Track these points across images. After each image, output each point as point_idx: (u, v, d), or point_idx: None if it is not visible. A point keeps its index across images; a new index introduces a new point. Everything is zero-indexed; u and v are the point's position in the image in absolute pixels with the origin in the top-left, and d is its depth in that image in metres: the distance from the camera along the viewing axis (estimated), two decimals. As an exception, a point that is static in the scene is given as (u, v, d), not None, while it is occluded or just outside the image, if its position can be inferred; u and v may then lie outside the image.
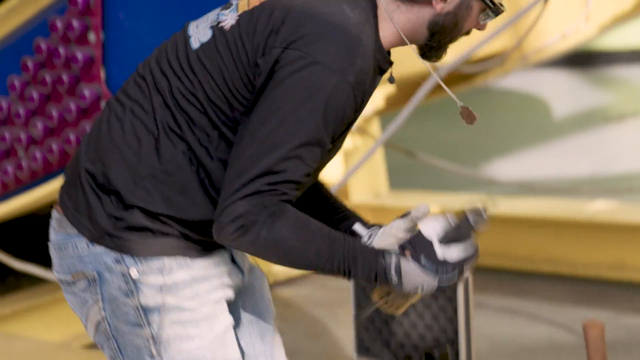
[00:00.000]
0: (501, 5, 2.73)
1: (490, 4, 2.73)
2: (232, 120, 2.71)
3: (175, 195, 2.76)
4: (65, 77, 4.25)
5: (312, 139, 2.64)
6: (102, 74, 4.16)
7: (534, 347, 5.01)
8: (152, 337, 2.76)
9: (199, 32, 2.79)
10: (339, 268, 2.65)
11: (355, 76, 2.66)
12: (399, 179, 7.00)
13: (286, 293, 6.19)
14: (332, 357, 4.52)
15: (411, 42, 2.81)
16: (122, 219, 2.74)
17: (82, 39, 4.17)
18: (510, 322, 5.30)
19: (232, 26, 2.75)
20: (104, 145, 2.79)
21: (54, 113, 4.37)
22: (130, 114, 2.77)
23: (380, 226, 2.87)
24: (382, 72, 2.80)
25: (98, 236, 2.75)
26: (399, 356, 3.80)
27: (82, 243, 2.77)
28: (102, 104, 4.17)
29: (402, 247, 2.69)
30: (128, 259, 2.74)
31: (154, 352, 2.76)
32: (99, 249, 2.75)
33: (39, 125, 4.42)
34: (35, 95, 4.38)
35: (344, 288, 4.19)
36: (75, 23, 4.14)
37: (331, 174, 6.58)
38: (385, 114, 6.51)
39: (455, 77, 5.41)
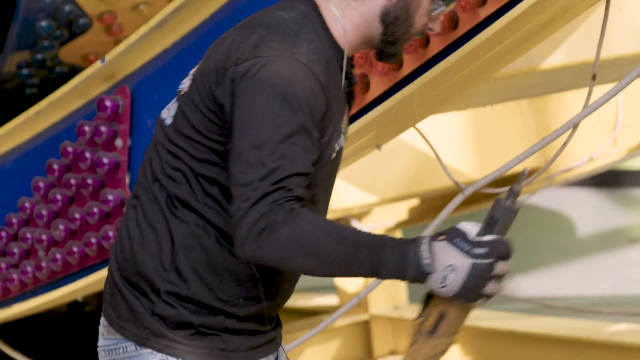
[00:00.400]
0: None
1: None
2: (223, 167, 2.72)
3: (204, 271, 2.78)
4: (89, 181, 4.25)
5: (293, 128, 2.61)
6: (127, 180, 4.16)
7: None
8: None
9: (169, 111, 2.84)
10: (368, 258, 2.58)
11: (306, 57, 2.66)
12: (418, 292, 6.99)
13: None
14: None
15: (367, 40, 2.83)
16: (163, 315, 2.76)
17: (109, 145, 4.18)
18: None
19: (189, 86, 2.80)
20: (128, 249, 2.83)
21: (77, 216, 4.38)
22: (141, 211, 2.81)
23: None
24: (347, 75, 2.83)
25: (144, 338, 2.79)
26: None
27: (131, 346, 2.81)
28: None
29: (435, 235, 2.62)
30: None
31: None
32: (146, 350, 2.79)
33: (61, 227, 4.43)
34: (59, 197, 4.39)
35: None
36: (103, 128, 4.17)
37: (352, 286, 6.59)
38: (408, 227, 6.51)
39: (481, 195, 5.41)
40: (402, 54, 2.89)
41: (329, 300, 7.44)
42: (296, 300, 7.10)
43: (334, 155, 2.80)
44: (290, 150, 2.60)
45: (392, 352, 6.49)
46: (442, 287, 2.60)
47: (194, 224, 2.75)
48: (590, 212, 10.18)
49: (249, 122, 2.62)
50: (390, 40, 2.81)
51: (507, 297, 6.61)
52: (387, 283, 6.67)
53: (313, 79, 2.65)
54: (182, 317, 2.75)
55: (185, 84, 2.84)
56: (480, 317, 6.22)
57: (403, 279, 2.65)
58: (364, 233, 2.61)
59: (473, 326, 6.06)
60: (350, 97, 2.94)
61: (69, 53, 5.17)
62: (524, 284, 8.13)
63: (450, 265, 2.58)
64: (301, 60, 2.64)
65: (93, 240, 4.34)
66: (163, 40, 4.02)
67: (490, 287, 2.61)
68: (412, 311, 6.60)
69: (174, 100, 2.86)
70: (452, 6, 2.84)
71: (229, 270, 2.77)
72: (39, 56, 5.19)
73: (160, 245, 2.78)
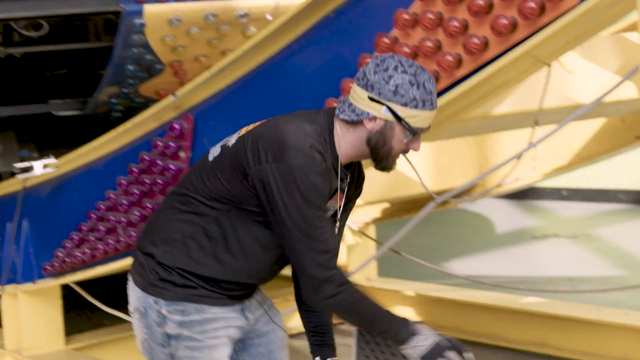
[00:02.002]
0: (420, 128, 2.72)
1: (407, 127, 2.69)
2: (233, 203, 2.78)
3: (200, 257, 2.84)
4: (159, 181, 4.24)
5: (312, 213, 2.68)
6: (187, 181, 4.14)
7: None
8: (171, 354, 2.87)
9: (215, 150, 2.88)
10: (390, 328, 2.74)
11: (312, 164, 2.68)
12: (385, 268, 6.96)
13: (297, 344, 6.12)
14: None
15: (360, 156, 2.82)
16: (159, 274, 2.85)
17: (174, 156, 4.17)
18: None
19: (233, 144, 2.83)
20: (151, 226, 2.96)
21: (149, 205, 4.35)
22: (177, 203, 2.90)
23: None
24: (340, 178, 2.83)
25: (145, 286, 2.89)
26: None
27: (137, 289, 2.92)
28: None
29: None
30: (161, 302, 2.86)
31: None
32: (145, 294, 2.89)
33: (136, 213, 4.40)
34: (136, 191, 4.37)
35: (340, 343, 4.11)
36: (172, 143, 4.15)
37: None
38: (379, 222, 6.48)
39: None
40: (393, 166, 2.84)
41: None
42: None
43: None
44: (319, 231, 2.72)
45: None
46: None
47: (195, 229, 2.83)
48: (505, 216, 10.21)
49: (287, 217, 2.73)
50: (376, 158, 2.80)
51: (447, 274, 6.60)
52: (363, 260, 6.64)
53: (319, 178, 2.69)
54: (170, 278, 2.84)
55: (231, 138, 2.88)
56: (428, 288, 6.20)
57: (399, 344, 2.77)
58: (387, 313, 2.74)
59: (423, 295, 6.05)
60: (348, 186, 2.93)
61: (146, 89, 5.15)
62: (458, 266, 8.12)
63: None
64: (311, 168, 2.67)
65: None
66: (218, 83, 4.01)
67: None
68: (380, 282, 6.58)
69: (220, 145, 2.90)
70: (424, 133, 2.78)
71: (221, 265, 2.83)
72: (125, 90, 5.17)
73: (168, 230, 2.87)
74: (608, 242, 8.71)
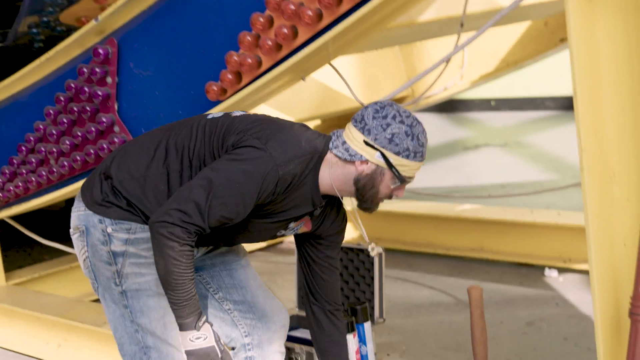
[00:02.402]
0: (408, 177, 2.79)
1: (397, 174, 2.75)
2: (201, 164, 2.84)
3: (149, 195, 2.87)
4: (88, 108, 4.17)
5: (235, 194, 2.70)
6: (115, 106, 4.09)
7: (420, 305, 5.01)
8: (117, 272, 2.89)
9: (216, 113, 2.95)
10: (184, 302, 2.73)
11: (283, 172, 2.72)
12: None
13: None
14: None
15: (340, 192, 2.85)
16: (109, 196, 2.89)
17: (101, 81, 4.10)
18: (402, 287, 5.30)
19: (236, 115, 2.91)
20: (124, 155, 2.95)
21: (79, 133, 4.29)
22: (155, 144, 2.93)
23: None
24: (313, 203, 2.84)
25: (91, 203, 2.92)
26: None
27: (82, 206, 2.94)
28: (116, 127, 4.11)
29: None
30: (107, 220, 2.89)
31: (118, 281, 2.89)
32: (89, 212, 2.91)
33: (67, 142, 4.34)
34: (65, 120, 4.30)
35: (280, 262, 4.13)
36: (97, 69, 4.08)
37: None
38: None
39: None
40: (376, 208, 2.87)
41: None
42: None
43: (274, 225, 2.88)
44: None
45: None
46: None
47: (167, 171, 2.85)
48: (436, 129, 10.27)
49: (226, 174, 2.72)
50: (360, 198, 2.84)
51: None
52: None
53: (273, 185, 2.71)
54: (118, 203, 2.88)
55: (237, 112, 2.94)
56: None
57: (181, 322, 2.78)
58: (192, 296, 2.73)
59: (387, 211, 6.08)
60: (321, 217, 2.98)
61: (67, 16, 5.03)
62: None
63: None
64: (278, 172, 2.71)
65: (91, 150, 4.26)
66: (140, 4, 3.93)
67: None
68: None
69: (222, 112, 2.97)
70: (409, 182, 2.83)
71: (152, 209, 2.85)
72: (45, 19, 5.05)
73: (138, 164, 2.89)
74: (538, 148, 8.84)
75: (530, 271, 5.45)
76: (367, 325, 3.57)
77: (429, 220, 5.97)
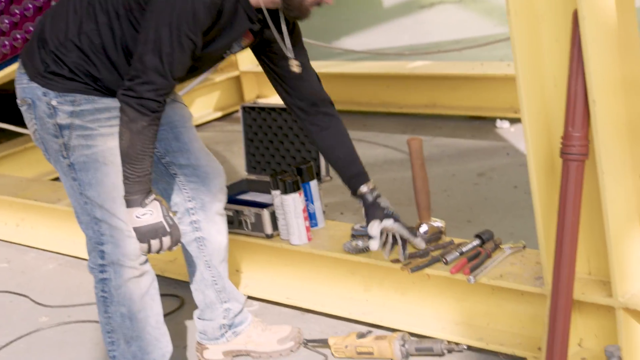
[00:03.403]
0: None
1: None
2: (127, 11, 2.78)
3: (91, 56, 2.83)
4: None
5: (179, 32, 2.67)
6: (50, -20, 4.01)
7: (374, 163, 5.04)
8: (64, 144, 2.87)
9: None
10: (134, 168, 2.73)
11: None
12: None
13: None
14: (230, 176, 4.48)
15: (273, 2, 2.80)
16: (50, 66, 2.84)
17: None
18: (357, 146, 5.30)
19: None
20: (54, 16, 2.90)
21: (17, 11, 4.21)
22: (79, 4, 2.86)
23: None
24: (251, 20, 2.80)
25: (34, 75, 2.88)
26: (277, 170, 3.77)
27: (25, 79, 2.90)
28: (52, 3, 4.03)
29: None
30: (51, 93, 2.85)
31: (65, 154, 2.88)
32: (34, 84, 2.87)
33: (6, 21, 4.26)
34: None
35: (236, 130, 4.13)
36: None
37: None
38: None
39: None
40: (305, 16, 2.79)
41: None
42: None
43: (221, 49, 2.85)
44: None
45: (258, 97, 6.46)
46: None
47: (102, 24, 2.79)
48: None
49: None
50: (287, 7, 2.78)
51: (337, 49, 6.61)
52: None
53: (207, 11, 2.66)
54: (59, 70, 2.84)
55: None
56: (319, 65, 6.18)
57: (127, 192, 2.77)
58: (145, 170, 2.74)
59: (327, 73, 6.06)
60: (261, 31, 2.91)
61: None
62: (350, 43, 8.11)
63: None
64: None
65: (31, 28, 4.21)
66: None
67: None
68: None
69: None
70: None
71: (107, 67, 2.83)
72: None
73: (68, 25, 2.84)
74: (492, 2, 8.76)
75: (483, 124, 5.47)
76: (314, 183, 3.59)
77: (381, 79, 5.96)
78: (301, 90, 3.08)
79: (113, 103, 2.85)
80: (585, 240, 2.85)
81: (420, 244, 3.18)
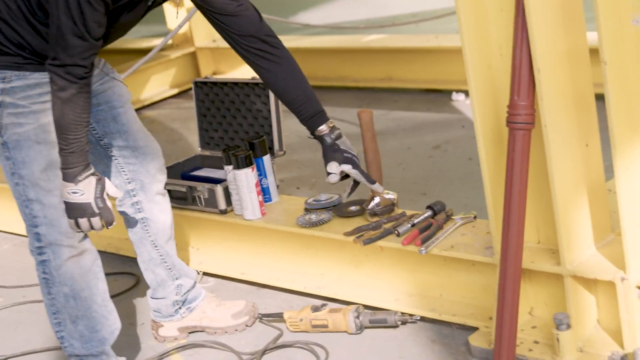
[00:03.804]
0: None
1: None
2: None
3: (11, 23, 2.78)
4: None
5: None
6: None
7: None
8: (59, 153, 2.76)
9: None
10: (69, 144, 2.71)
11: None
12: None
13: (151, 114, 6.11)
14: (186, 153, 4.48)
15: None
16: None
17: None
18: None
19: None
20: None
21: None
22: None
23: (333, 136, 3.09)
24: None
25: None
26: (230, 146, 3.75)
27: None
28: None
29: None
30: None
31: None
32: None
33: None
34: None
35: (192, 107, 4.11)
36: None
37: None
38: None
39: None
40: None
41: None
42: (140, 43, 6.94)
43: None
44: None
45: (214, 73, 6.44)
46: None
47: None
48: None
49: None
50: None
51: (300, 24, 6.58)
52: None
53: None
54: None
55: None
56: (282, 39, 6.17)
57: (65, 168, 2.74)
58: (81, 144, 2.70)
59: (295, 48, 6.03)
60: None
61: None
62: (306, 17, 8.08)
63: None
64: None
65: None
66: None
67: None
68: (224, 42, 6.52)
69: None
70: None
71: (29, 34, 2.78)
72: None
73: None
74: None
75: (438, 97, 5.48)
76: (266, 158, 3.58)
77: (337, 53, 5.95)
78: (240, 27, 3.02)
79: (44, 78, 2.80)
80: (533, 210, 2.87)
81: (378, 188, 3.19)
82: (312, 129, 3.12)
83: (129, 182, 3.14)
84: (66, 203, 2.75)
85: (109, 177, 3.11)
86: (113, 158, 3.10)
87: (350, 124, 5.27)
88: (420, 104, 5.44)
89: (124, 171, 3.13)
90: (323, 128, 3.10)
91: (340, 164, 3.08)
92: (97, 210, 2.75)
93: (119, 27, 2.87)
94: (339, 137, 3.12)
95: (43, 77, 2.80)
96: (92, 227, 2.78)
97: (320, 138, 3.12)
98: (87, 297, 2.95)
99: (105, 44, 2.88)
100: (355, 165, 3.10)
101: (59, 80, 2.65)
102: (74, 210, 2.75)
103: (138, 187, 3.15)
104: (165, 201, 3.24)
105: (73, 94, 2.66)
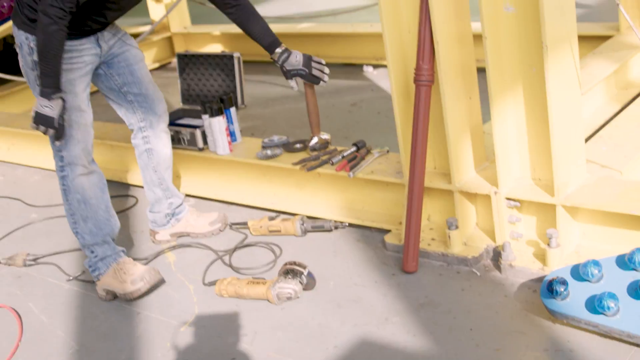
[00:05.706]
0: None
1: None
2: None
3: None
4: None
5: None
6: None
7: (275, 98, 5.01)
8: (37, 75, 2.73)
9: None
10: (49, 69, 2.63)
11: None
12: (197, 19, 6.75)
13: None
14: (170, 108, 4.40)
15: None
16: (28, 16, 2.74)
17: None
18: (261, 87, 5.28)
19: None
20: None
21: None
22: None
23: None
24: None
25: (20, 24, 2.78)
26: (205, 101, 3.71)
27: (15, 29, 2.79)
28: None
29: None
30: (30, 37, 2.75)
31: (39, 82, 2.71)
32: (20, 32, 2.77)
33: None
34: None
35: (170, 77, 4.02)
36: None
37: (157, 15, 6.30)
38: None
39: None
40: None
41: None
42: (129, 30, 6.75)
43: None
44: None
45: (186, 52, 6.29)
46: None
47: None
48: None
49: None
50: None
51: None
52: (179, 12, 6.42)
53: None
54: (33, 15, 2.71)
55: None
56: (229, 28, 6.06)
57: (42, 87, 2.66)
58: (55, 71, 2.63)
59: (226, 33, 5.92)
60: None
61: None
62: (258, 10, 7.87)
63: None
64: None
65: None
66: None
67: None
68: (194, 28, 6.39)
69: None
70: None
71: None
72: None
73: None
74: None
75: (353, 69, 5.46)
76: (233, 110, 3.55)
77: (279, 37, 5.86)
78: None
79: (76, 44, 2.78)
80: (432, 145, 2.91)
81: (324, 77, 3.17)
82: (271, 52, 3.12)
83: (141, 121, 3.09)
84: (37, 113, 2.68)
85: (127, 116, 3.07)
86: (130, 102, 3.06)
87: (289, 88, 5.23)
88: (340, 74, 5.41)
89: (137, 112, 3.08)
90: (278, 50, 3.11)
91: (290, 79, 3.13)
92: (55, 125, 2.69)
93: (118, 7, 2.81)
94: (285, 60, 3.11)
95: (75, 42, 2.77)
96: (47, 134, 2.71)
97: (276, 60, 3.13)
98: (94, 203, 2.93)
99: (107, 19, 2.84)
100: (298, 75, 3.12)
101: (44, 19, 2.58)
102: (38, 119, 2.68)
103: (147, 125, 3.11)
104: (168, 138, 3.20)
105: (54, 30, 2.58)
